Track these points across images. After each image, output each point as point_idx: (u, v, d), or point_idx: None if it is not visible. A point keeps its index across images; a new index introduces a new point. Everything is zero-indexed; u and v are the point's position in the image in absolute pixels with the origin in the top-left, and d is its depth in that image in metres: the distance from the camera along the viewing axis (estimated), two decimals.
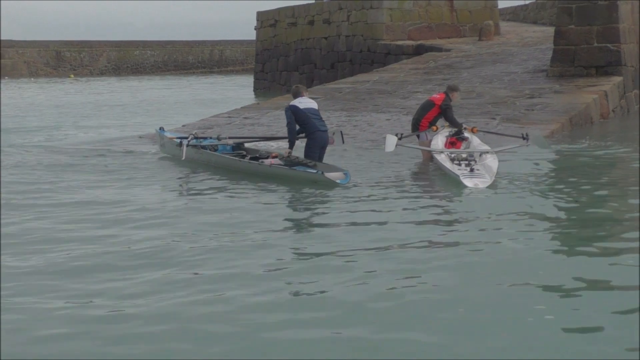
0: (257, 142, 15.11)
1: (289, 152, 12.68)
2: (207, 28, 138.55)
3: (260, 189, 11.72)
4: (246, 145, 14.51)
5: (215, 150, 13.96)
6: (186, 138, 14.16)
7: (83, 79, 64.17)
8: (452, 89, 14.32)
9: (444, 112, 13.89)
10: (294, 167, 12.30)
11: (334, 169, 11.98)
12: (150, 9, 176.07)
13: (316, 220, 9.86)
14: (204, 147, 13.93)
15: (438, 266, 7.47)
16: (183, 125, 20.30)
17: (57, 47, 72.89)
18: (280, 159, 12.73)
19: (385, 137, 13.19)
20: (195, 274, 7.43)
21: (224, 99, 36.82)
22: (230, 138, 14.56)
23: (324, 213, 10.15)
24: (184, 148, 13.33)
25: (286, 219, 9.95)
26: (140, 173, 13.64)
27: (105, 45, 75.02)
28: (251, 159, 13.25)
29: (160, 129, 16.10)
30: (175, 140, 14.65)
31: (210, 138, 14.65)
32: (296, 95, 13.04)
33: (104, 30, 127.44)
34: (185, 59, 76.06)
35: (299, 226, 9.64)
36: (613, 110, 21.67)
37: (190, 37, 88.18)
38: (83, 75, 69.45)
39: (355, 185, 11.60)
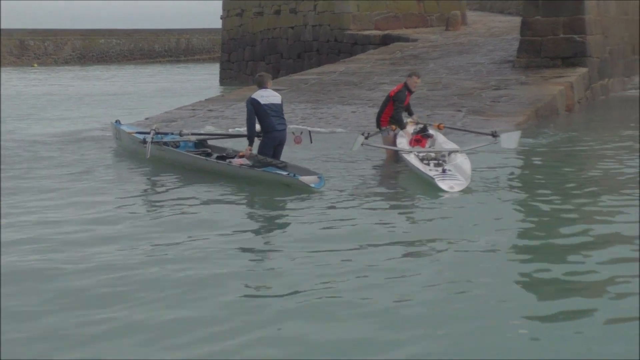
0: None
1: (249, 150, 12.13)
2: (173, 16, 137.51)
3: (226, 191, 11.32)
4: (209, 142, 14.07)
5: (177, 146, 13.43)
6: (147, 133, 13.61)
7: (47, 68, 63.28)
8: (409, 74, 13.75)
9: (394, 106, 13.41)
10: (264, 169, 11.81)
11: (307, 171, 11.47)
12: None
13: (282, 225, 9.43)
14: (165, 144, 13.42)
15: (412, 275, 7.23)
16: (146, 118, 20.03)
17: (21, 35, 71.95)
18: (248, 159, 12.16)
19: (356, 137, 12.78)
20: (157, 281, 7.24)
21: (190, 90, 36.43)
22: (192, 134, 14.04)
23: (291, 217, 9.77)
24: (149, 146, 12.66)
25: (252, 224, 9.62)
26: (97, 170, 13.20)
27: (69, 33, 74.16)
28: (218, 158, 12.73)
29: (116, 122, 15.56)
30: (135, 135, 14.17)
31: (172, 134, 14.02)
32: (261, 84, 12.42)
33: (68, 18, 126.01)
34: (152, 48, 75.42)
35: (264, 231, 9.31)
36: (578, 102, 21.71)
37: (156, 25, 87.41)
38: (47, 65, 68.62)
39: (324, 188, 11.10)
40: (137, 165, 13.54)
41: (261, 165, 11.88)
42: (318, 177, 11.16)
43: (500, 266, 7.47)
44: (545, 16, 23.15)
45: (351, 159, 13.49)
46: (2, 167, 13.18)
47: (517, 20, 33.53)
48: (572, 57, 22.90)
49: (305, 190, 10.91)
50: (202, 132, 15.60)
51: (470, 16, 36.06)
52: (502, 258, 7.76)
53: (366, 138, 12.64)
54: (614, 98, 24.42)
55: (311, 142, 12.95)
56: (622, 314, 6.20)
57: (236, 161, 12.18)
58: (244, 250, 8.26)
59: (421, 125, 13.56)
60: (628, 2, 26.54)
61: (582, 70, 22.53)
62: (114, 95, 34.48)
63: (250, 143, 12.18)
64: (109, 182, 12.11)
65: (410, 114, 13.96)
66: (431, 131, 13.43)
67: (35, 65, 67.97)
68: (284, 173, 11.46)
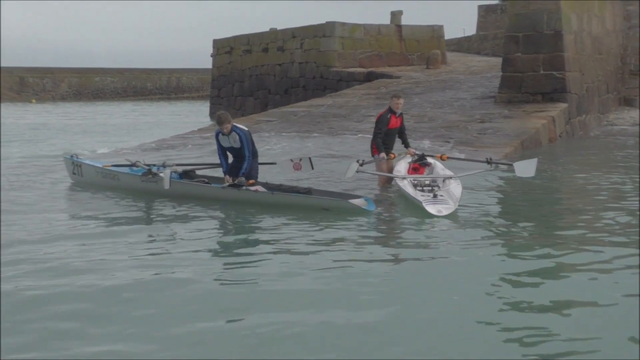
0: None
1: (253, 182, 11.17)
2: (164, 56, 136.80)
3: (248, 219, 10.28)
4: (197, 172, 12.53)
5: None
6: (129, 166, 12.36)
7: (45, 104, 62.12)
8: (391, 97, 12.79)
9: (375, 129, 12.52)
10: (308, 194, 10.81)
11: (347, 196, 10.64)
12: (110, 37, 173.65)
13: (275, 247, 8.58)
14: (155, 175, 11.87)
15: (397, 298, 6.54)
16: (140, 145, 19.05)
17: (21, 73, 71.05)
18: (262, 185, 11.15)
19: (350, 164, 11.79)
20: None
21: (181, 123, 35.55)
22: (178, 165, 12.51)
23: (272, 239, 8.89)
24: (167, 177, 11.10)
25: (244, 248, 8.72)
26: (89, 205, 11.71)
27: (66, 71, 73.30)
28: (230, 186, 11.17)
29: (71, 156, 13.69)
30: (109, 168, 12.66)
31: (155, 165, 12.26)
32: None
33: (66, 57, 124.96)
34: (144, 86, 74.56)
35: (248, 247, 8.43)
36: (560, 135, 20.87)
37: (148, 64, 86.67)
38: (45, 101, 67.50)
39: (314, 211, 10.28)
40: (123, 198, 11.93)
41: (285, 191, 10.91)
42: (365, 200, 10.37)
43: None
44: (526, 53, 22.37)
45: (340, 184, 12.54)
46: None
47: (493, 60, 33.05)
48: (552, 92, 22.08)
49: (306, 214, 9.97)
50: (186, 163, 13.73)
51: (449, 56, 35.35)
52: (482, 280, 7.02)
53: (361, 165, 11.71)
54: (594, 133, 23.61)
55: (312, 169, 11.95)
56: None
57: (254, 188, 11.01)
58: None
59: (419, 154, 12.58)
60: (602, 42, 25.87)
61: (562, 105, 21.70)
62: (108, 127, 33.48)
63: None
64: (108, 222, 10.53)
65: (406, 145, 12.95)
66: (430, 160, 12.45)
67: (34, 101, 66.84)
68: (309, 197, 10.64)
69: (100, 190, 12.49)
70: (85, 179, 13.10)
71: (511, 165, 11.82)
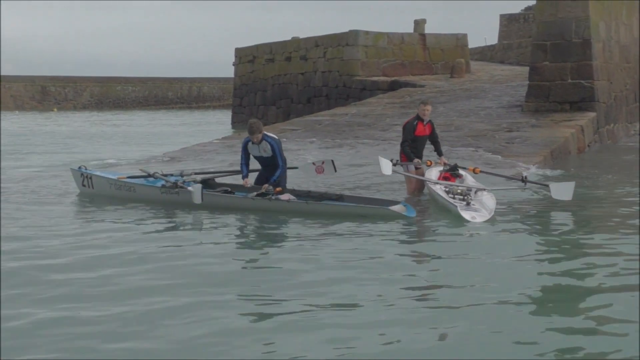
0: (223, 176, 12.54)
1: (282, 191, 10.96)
2: (186, 65, 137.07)
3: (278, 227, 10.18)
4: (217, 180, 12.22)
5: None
6: (144, 176, 12.02)
7: (66, 113, 62.40)
8: (418, 103, 12.60)
9: (402, 136, 12.34)
10: (338, 202, 10.68)
11: (386, 202, 10.58)
12: (132, 46, 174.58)
13: (303, 252, 8.44)
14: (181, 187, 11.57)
15: (431, 304, 6.55)
16: (164, 154, 18.88)
17: (43, 82, 71.40)
18: (291, 193, 10.97)
19: (379, 159, 11.55)
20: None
21: (203, 131, 35.50)
22: (196, 174, 12.16)
23: (306, 244, 8.76)
24: (199, 191, 10.68)
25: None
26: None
27: (88, 80, 73.57)
28: (257, 195, 10.93)
29: (79, 168, 13.05)
30: (124, 180, 12.19)
31: (172, 175, 11.93)
32: None
33: (87, 66, 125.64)
34: (165, 95, 74.71)
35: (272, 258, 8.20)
36: (588, 145, 20.54)
37: (170, 74, 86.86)
38: (67, 110, 67.75)
39: (346, 217, 10.13)
40: (143, 207, 11.59)
41: (316, 199, 10.79)
42: (404, 206, 10.29)
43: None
44: (554, 61, 22.04)
45: (376, 184, 12.38)
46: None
47: (518, 69, 32.76)
48: (580, 101, 21.74)
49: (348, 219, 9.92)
50: (204, 171, 13.34)
51: (473, 65, 35.04)
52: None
53: (394, 165, 11.62)
54: (622, 142, 23.25)
55: (335, 171, 11.75)
56: None
57: (283, 197, 10.78)
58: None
59: (450, 164, 12.31)
60: (629, 50, 25.50)
61: (591, 114, 21.36)
62: (129, 136, 33.50)
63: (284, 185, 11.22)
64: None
65: (439, 154, 12.68)
66: (462, 172, 12.17)
67: (55, 109, 67.08)
68: (348, 205, 10.55)
69: (114, 200, 12.15)
70: (97, 190, 12.55)
71: (547, 186, 11.50)
